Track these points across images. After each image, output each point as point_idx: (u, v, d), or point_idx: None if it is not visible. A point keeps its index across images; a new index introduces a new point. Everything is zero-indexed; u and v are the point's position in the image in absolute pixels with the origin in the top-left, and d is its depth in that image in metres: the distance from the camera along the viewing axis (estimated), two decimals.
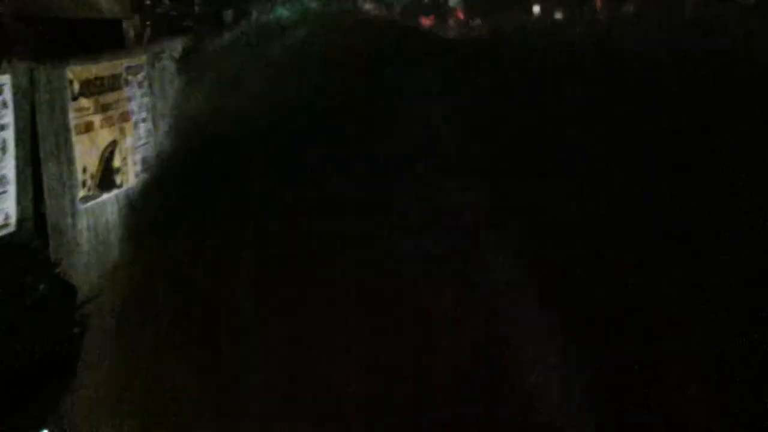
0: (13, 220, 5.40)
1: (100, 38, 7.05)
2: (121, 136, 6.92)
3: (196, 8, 9.14)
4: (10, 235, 5.34)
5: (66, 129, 6.01)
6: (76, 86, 6.19)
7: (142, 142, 7.28)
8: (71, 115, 6.08)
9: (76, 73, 6.19)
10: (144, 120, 7.35)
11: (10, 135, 5.32)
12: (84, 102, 6.30)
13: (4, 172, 5.32)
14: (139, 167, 7.21)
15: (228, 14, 9.61)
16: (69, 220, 6.05)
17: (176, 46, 8.14)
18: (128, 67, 7.09)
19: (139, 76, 7.29)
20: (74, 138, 6.11)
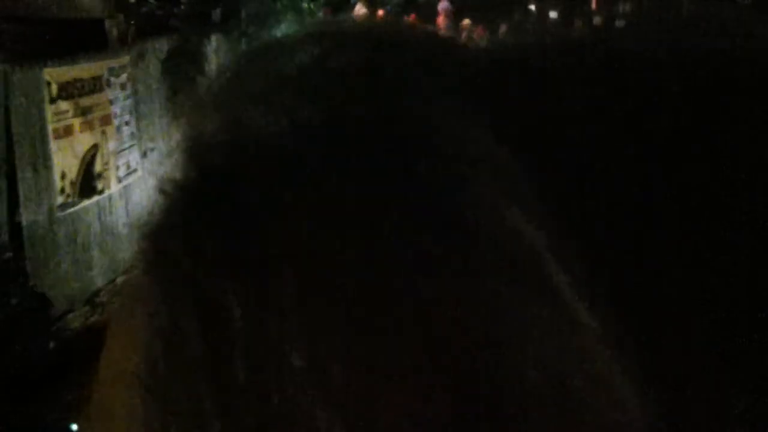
0: None
1: (84, 38, 6.88)
2: (102, 139, 6.72)
3: (183, 7, 8.99)
4: None
5: (43, 133, 5.83)
6: (54, 88, 5.99)
7: (125, 145, 7.08)
8: (49, 118, 5.88)
9: (54, 74, 5.99)
10: (127, 123, 7.15)
11: None
12: (63, 105, 6.10)
13: None
14: (122, 172, 7.02)
15: (216, 13, 9.48)
16: (46, 229, 5.86)
17: (162, 46, 7.98)
18: (111, 68, 6.89)
19: (122, 78, 7.08)
20: (52, 143, 5.92)
